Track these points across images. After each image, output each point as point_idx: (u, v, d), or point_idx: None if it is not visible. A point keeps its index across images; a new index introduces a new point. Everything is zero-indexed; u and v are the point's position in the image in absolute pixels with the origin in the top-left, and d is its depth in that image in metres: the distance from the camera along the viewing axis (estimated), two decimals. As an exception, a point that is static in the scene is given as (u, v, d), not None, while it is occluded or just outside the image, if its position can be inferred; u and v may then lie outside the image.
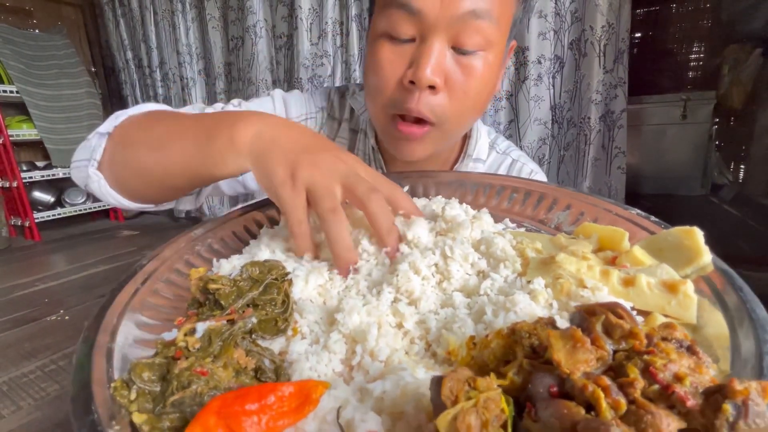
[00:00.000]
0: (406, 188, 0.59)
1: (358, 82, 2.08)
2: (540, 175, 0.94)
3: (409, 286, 0.44)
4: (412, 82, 0.66)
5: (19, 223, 3.63)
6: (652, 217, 0.50)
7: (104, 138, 0.67)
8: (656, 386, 0.23)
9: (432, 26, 0.63)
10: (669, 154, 2.91)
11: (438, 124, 0.70)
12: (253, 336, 0.40)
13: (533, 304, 0.38)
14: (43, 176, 3.71)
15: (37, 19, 4.06)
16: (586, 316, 0.29)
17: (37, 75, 3.69)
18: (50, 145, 3.70)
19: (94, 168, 0.66)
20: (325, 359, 0.37)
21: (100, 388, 0.33)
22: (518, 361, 0.28)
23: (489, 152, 0.93)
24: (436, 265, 0.47)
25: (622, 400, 0.23)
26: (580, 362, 0.25)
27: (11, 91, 3.51)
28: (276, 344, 0.40)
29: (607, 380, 0.24)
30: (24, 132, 3.62)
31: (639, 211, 0.52)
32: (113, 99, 4.51)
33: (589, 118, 2.24)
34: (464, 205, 0.60)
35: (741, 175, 2.83)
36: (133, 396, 0.32)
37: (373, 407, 0.31)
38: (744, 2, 2.60)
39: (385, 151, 0.87)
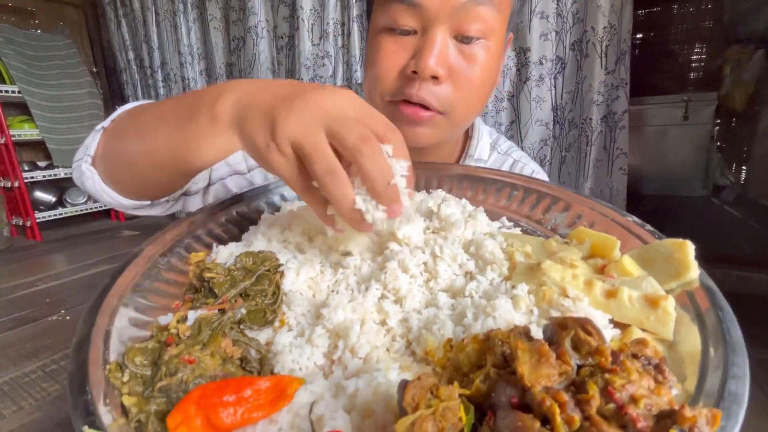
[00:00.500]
0: None
1: (359, 81, 2.08)
2: (542, 176, 0.94)
3: (396, 283, 0.44)
4: (414, 72, 0.66)
5: (21, 223, 3.63)
6: (647, 226, 0.50)
7: (99, 134, 0.66)
8: (612, 405, 0.24)
9: (434, 17, 0.64)
10: (670, 155, 2.91)
11: (447, 112, 0.70)
12: (242, 326, 0.41)
13: (513, 311, 0.39)
14: (44, 176, 3.72)
15: (39, 19, 4.07)
16: (557, 329, 0.29)
17: (38, 75, 3.70)
18: (52, 145, 3.71)
19: (87, 164, 0.65)
20: (307, 352, 0.39)
21: (95, 368, 0.34)
22: (487, 369, 0.29)
23: (490, 153, 0.93)
24: (425, 263, 0.48)
25: (577, 417, 0.23)
26: (543, 376, 0.26)
27: (13, 91, 3.52)
28: (263, 335, 0.42)
29: (565, 396, 0.24)
30: (26, 132, 3.63)
31: (636, 218, 0.52)
32: (115, 99, 4.51)
33: (590, 119, 2.23)
34: (463, 200, 0.60)
35: (742, 176, 2.82)
36: (125, 378, 0.34)
37: (345, 404, 0.32)
38: (746, 3, 2.59)
39: None
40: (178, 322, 0.38)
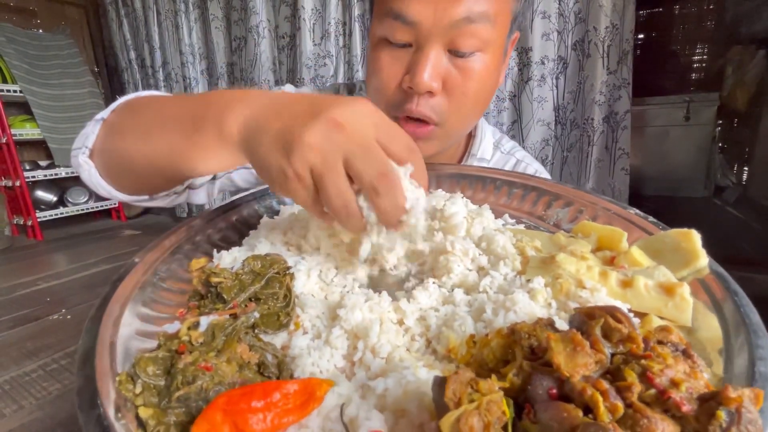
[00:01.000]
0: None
1: (362, 79, 2.08)
2: (544, 176, 0.94)
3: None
4: (410, 88, 0.66)
5: (22, 223, 3.63)
6: (651, 218, 0.50)
7: (98, 124, 0.65)
8: (653, 391, 0.24)
9: (427, 34, 0.64)
10: (672, 155, 2.90)
11: (440, 123, 0.70)
12: (256, 331, 0.40)
13: (533, 304, 0.39)
14: (45, 176, 3.72)
15: (40, 18, 4.07)
16: (585, 319, 0.29)
17: (40, 75, 3.70)
18: (53, 144, 3.71)
19: (85, 156, 0.64)
20: (327, 354, 0.38)
21: (104, 381, 0.33)
22: (518, 362, 0.29)
23: (493, 152, 0.93)
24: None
25: (620, 404, 0.23)
26: (580, 365, 0.26)
27: (15, 91, 3.52)
28: (278, 339, 0.41)
29: (605, 384, 0.24)
30: (27, 131, 3.62)
31: (638, 211, 0.52)
32: (116, 99, 4.49)
33: (592, 119, 2.23)
34: (464, 199, 0.60)
35: (744, 177, 2.81)
36: (138, 390, 0.33)
37: (375, 405, 0.31)
38: (748, 3, 2.59)
39: None
40: (189, 329, 0.37)
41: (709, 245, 0.41)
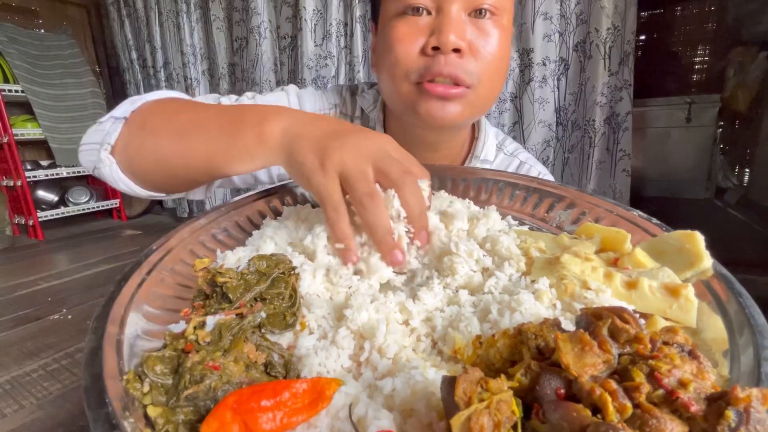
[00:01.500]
0: None
1: (363, 81, 2.08)
2: (548, 178, 0.93)
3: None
4: (436, 48, 0.67)
5: (23, 222, 3.64)
6: (654, 219, 0.50)
7: (120, 122, 0.66)
8: (661, 391, 0.24)
9: None
10: (673, 157, 2.91)
11: (473, 86, 0.71)
12: (262, 330, 0.40)
13: (538, 305, 0.39)
14: (46, 175, 3.73)
15: (42, 18, 4.08)
16: (592, 320, 0.29)
17: (42, 75, 3.72)
18: (54, 144, 3.72)
19: (107, 152, 0.66)
20: (333, 354, 0.38)
21: (112, 380, 0.33)
22: (525, 362, 0.29)
23: (496, 154, 0.93)
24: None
25: (628, 404, 0.23)
26: (588, 366, 0.26)
27: (16, 91, 3.53)
28: (284, 339, 0.41)
29: (614, 384, 0.24)
30: (28, 131, 3.63)
31: (640, 212, 0.52)
32: (117, 99, 4.50)
33: (593, 120, 2.23)
34: (467, 200, 0.60)
35: (746, 178, 2.81)
36: (146, 389, 0.33)
37: (383, 404, 0.31)
38: (749, 5, 2.59)
39: None
40: (195, 328, 0.37)
41: (710, 247, 0.41)
